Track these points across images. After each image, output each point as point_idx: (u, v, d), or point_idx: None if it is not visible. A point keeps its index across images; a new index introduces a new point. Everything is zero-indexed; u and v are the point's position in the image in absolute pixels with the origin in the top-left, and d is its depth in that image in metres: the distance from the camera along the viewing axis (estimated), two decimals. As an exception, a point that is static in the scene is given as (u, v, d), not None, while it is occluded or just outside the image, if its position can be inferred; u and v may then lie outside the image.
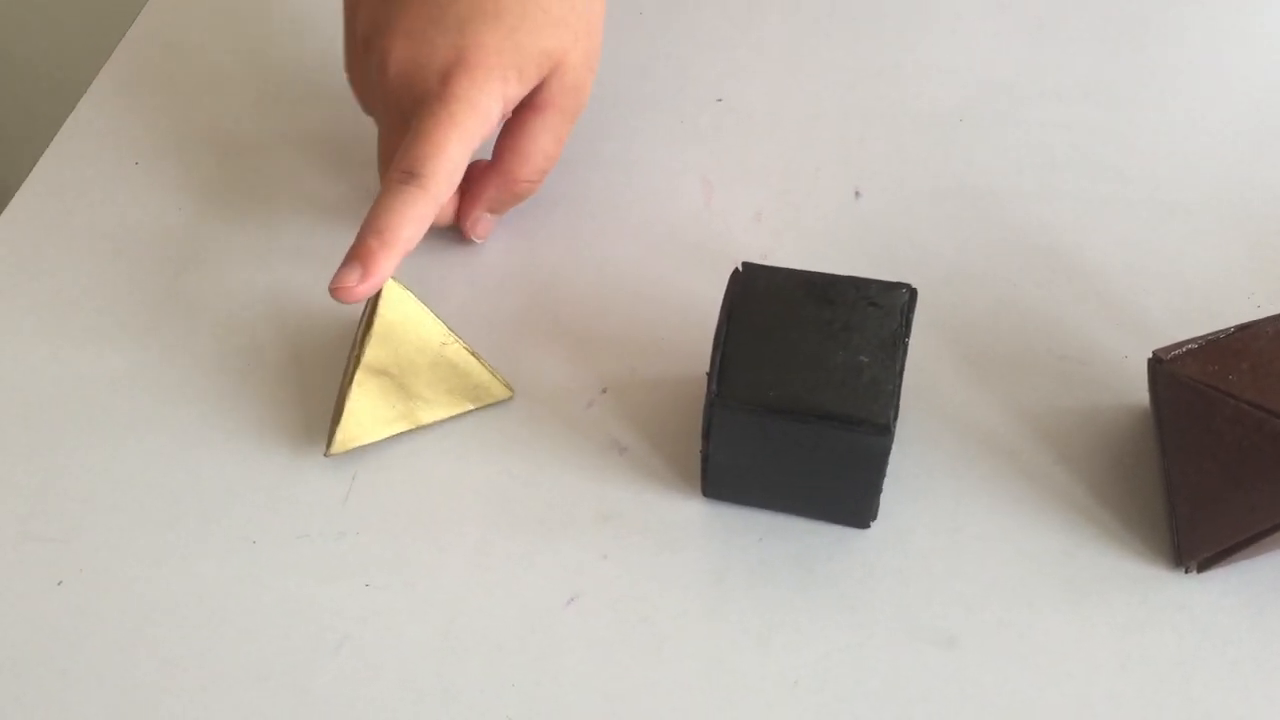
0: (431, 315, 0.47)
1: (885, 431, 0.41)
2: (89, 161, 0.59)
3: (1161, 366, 0.43)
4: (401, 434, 0.48)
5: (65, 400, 0.50)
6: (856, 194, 0.57)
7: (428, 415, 0.48)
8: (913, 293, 0.44)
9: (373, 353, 0.46)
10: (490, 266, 0.54)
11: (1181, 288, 0.52)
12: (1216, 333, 0.43)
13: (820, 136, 0.59)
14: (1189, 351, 0.43)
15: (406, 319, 0.47)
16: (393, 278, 0.46)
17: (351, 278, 0.45)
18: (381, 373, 0.47)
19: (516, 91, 0.49)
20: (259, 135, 0.60)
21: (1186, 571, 0.43)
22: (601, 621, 0.44)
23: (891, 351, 0.43)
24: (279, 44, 0.65)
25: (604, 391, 0.50)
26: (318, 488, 0.47)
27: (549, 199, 0.57)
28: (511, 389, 0.50)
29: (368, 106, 0.54)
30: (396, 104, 0.49)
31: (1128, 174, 0.57)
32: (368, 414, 0.47)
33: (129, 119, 0.61)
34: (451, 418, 0.49)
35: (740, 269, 0.45)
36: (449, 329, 0.48)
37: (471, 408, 0.49)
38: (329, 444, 0.47)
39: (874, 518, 0.46)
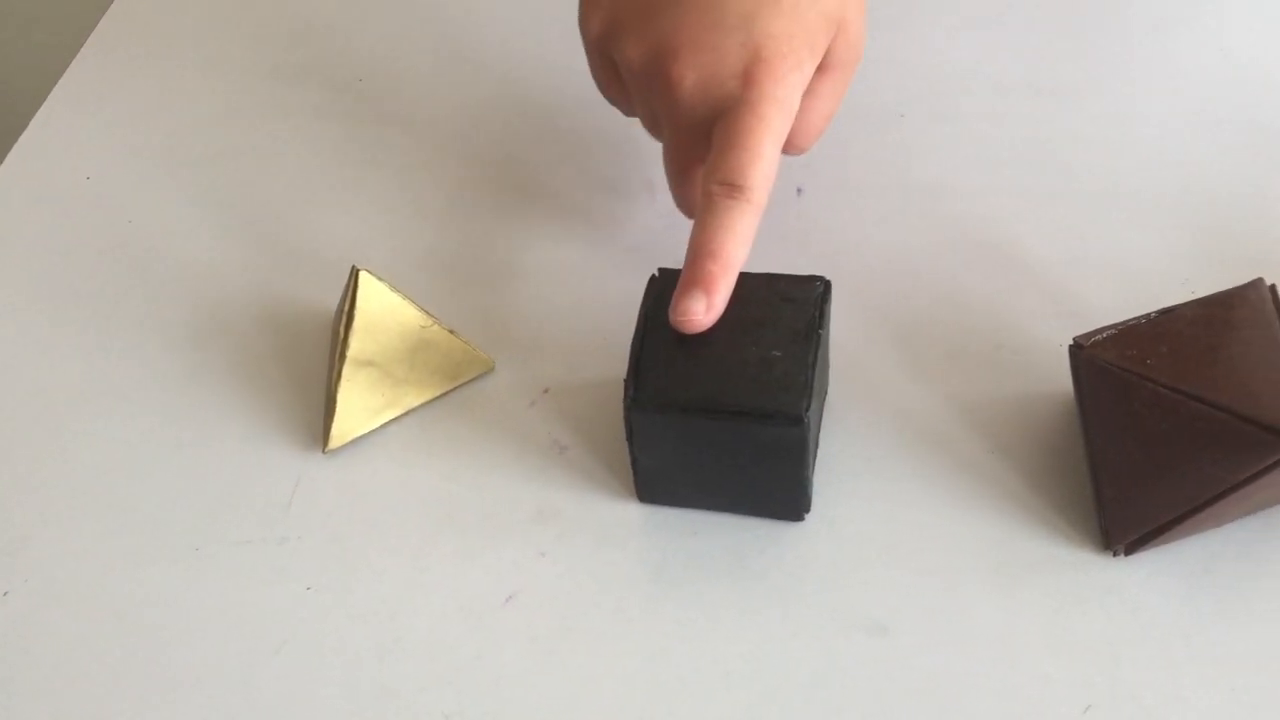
0: (408, 301, 0.48)
1: (799, 423, 0.42)
2: (42, 176, 0.60)
3: (1082, 353, 0.44)
4: (390, 421, 0.49)
5: (16, 411, 0.51)
6: (798, 191, 0.58)
7: (415, 398, 0.50)
8: (827, 285, 0.45)
9: (357, 345, 0.48)
10: (434, 267, 0.55)
11: (1121, 277, 0.53)
12: (1137, 318, 0.44)
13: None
14: (1109, 337, 0.43)
15: (384, 309, 0.48)
16: (365, 269, 0.48)
17: (697, 307, 0.43)
18: (367, 364, 0.48)
19: (811, 69, 0.47)
20: (212, 148, 0.61)
21: (1115, 555, 0.44)
22: (538, 618, 0.44)
23: (804, 344, 0.43)
24: (235, 57, 0.66)
25: (546, 391, 0.51)
26: (262, 494, 0.48)
27: (494, 201, 0.58)
28: (492, 361, 0.51)
29: (651, 124, 0.51)
30: (689, 117, 0.47)
31: (1068, 166, 0.58)
32: (358, 406, 0.48)
33: (82, 133, 0.62)
34: (438, 397, 0.50)
35: (657, 274, 0.46)
36: (425, 312, 0.49)
37: (455, 385, 0.50)
38: (325, 440, 0.48)
39: (807, 509, 0.46)
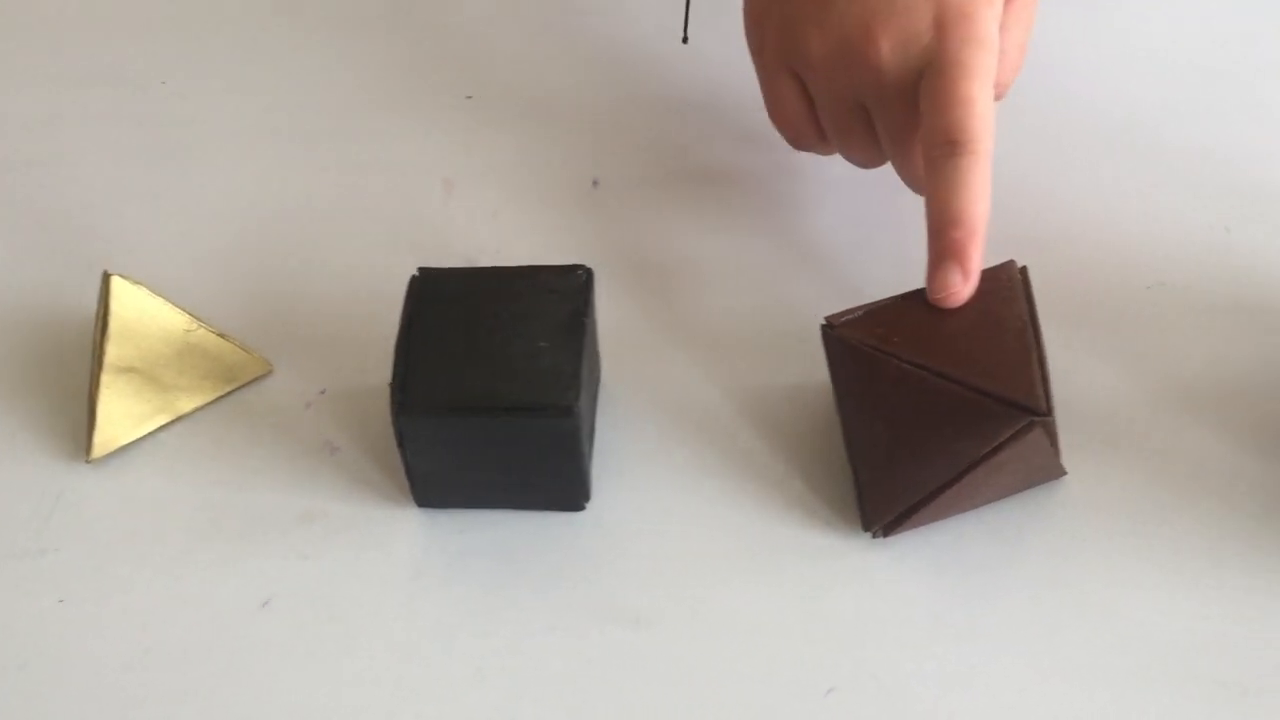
0: (169, 305, 0.47)
1: (570, 414, 0.41)
2: None
3: (832, 332, 0.44)
4: (161, 427, 0.48)
5: None
6: (594, 183, 0.57)
7: (187, 403, 0.48)
8: (589, 273, 0.45)
9: (114, 352, 0.46)
10: (214, 264, 0.54)
11: (903, 263, 0.52)
12: (888, 298, 0.44)
13: (563, 128, 0.59)
14: (858, 317, 0.43)
15: (143, 313, 0.47)
16: (120, 274, 0.46)
17: (954, 280, 0.42)
18: (128, 370, 0.47)
19: (1001, 2, 0.46)
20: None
21: (874, 536, 0.44)
22: (294, 623, 0.43)
23: (571, 335, 0.43)
24: (37, 62, 0.64)
25: (323, 393, 0.50)
26: (23, 506, 0.47)
27: (282, 205, 0.57)
28: (270, 363, 0.50)
29: (847, 126, 0.48)
30: (896, 85, 0.45)
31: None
32: (122, 413, 0.47)
33: None
34: (214, 401, 0.49)
35: (416, 275, 0.45)
36: (192, 315, 0.48)
37: (232, 388, 0.49)
38: (89, 449, 0.47)
39: (587, 499, 0.46)
